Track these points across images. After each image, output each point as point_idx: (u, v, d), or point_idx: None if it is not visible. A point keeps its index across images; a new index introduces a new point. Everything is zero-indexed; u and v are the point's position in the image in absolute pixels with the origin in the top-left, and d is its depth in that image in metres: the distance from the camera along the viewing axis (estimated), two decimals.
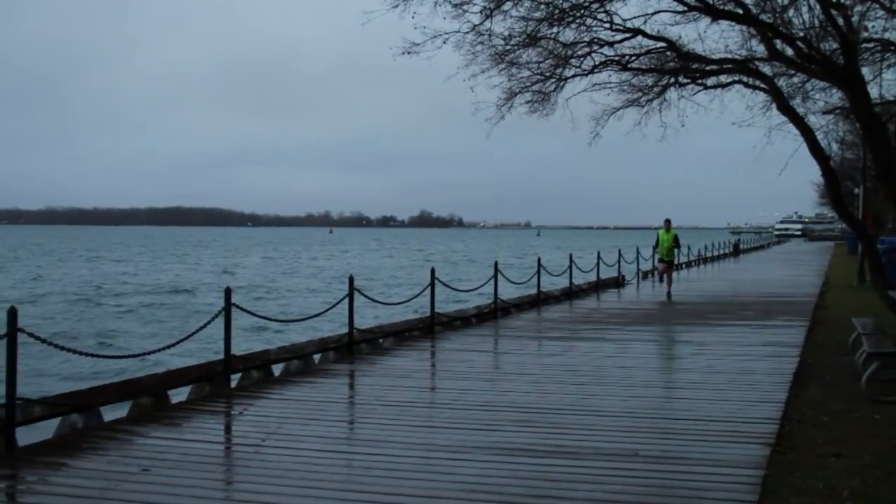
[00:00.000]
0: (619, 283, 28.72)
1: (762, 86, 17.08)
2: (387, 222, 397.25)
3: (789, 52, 15.28)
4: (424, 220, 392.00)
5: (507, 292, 20.74)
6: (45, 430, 8.01)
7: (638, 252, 31.47)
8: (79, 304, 33.50)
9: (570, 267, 23.92)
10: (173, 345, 10.08)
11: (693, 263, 43.10)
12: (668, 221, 23.98)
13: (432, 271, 16.18)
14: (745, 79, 17.18)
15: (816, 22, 15.18)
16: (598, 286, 26.38)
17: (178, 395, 9.72)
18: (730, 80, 17.42)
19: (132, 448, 7.36)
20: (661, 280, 25.15)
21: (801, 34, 15.02)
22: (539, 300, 21.27)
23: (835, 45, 15.31)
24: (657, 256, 25.02)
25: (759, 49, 16.56)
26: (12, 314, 7.54)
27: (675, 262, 26.75)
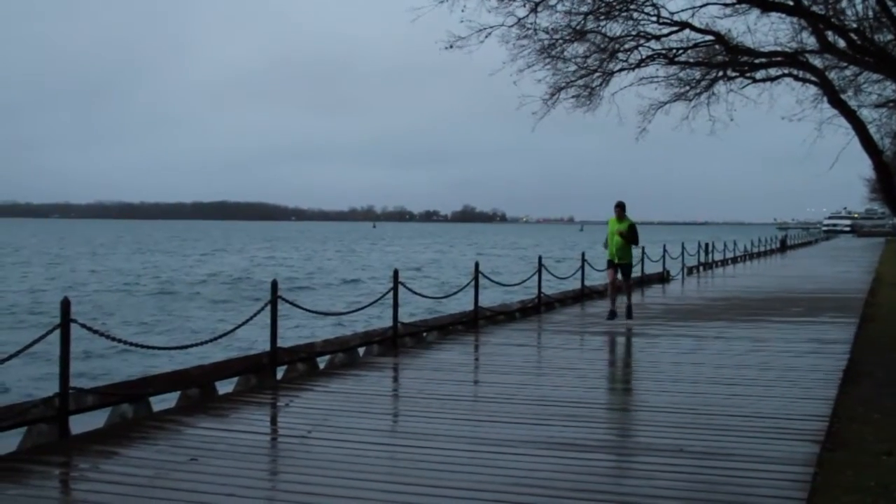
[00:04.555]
0: (663, 278, 28.50)
1: (813, 79, 16.83)
2: (429, 217, 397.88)
3: (841, 43, 15.03)
4: (467, 215, 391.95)
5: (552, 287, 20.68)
6: (96, 419, 8.15)
7: (683, 248, 31.21)
8: None
9: None
10: (222, 336, 10.22)
11: (739, 259, 42.60)
12: (620, 206, 16.44)
13: (476, 266, 16.17)
14: (795, 72, 16.94)
15: (870, 13, 14.93)
16: (643, 281, 26.19)
17: (226, 386, 9.83)
18: (779, 73, 17.19)
19: (181, 438, 7.46)
20: (612, 295, 16.82)
21: (854, 25, 14.77)
22: (583, 295, 21.17)
23: (889, 36, 15.04)
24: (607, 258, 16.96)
25: (810, 41, 16.31)
26: (65, 305, 7.68)
27: (633, 265, 17.28)
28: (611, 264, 16.71)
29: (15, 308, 29.08)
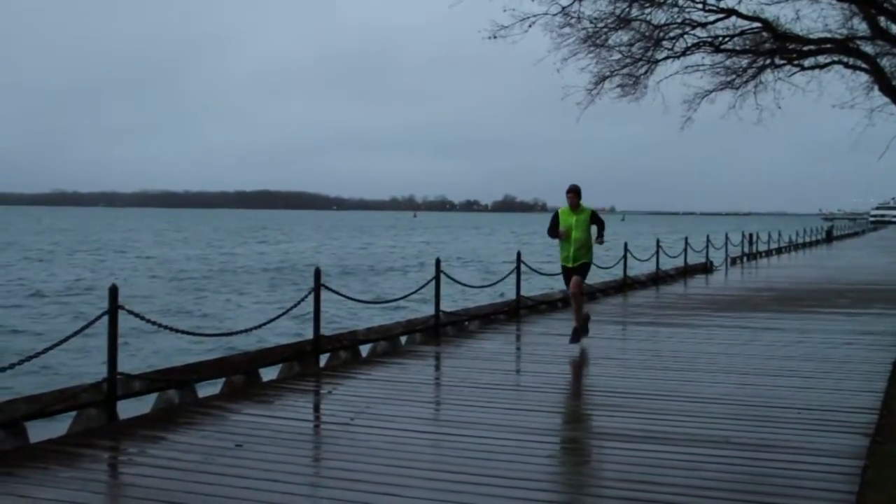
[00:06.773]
0: (706, 269, 28.22)
1: (863, 66, 16.53)
2: (470, 206, 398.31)
3: (894, 29, 14.72)
4: (508, 205, 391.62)
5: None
6: (143, 404, 8.26)
7: (727, 238, 30.86)
8: None
9: (658, 252, 23.55)
10: (265, 324, 10.29)
11: (784, 250, 42.04)
12: (574, 192, 11.86)
13: (518, 255, 16.11)
14: (845, 59, 16.64)
15: None
16: (686, 272, 25.95)
17: (269, 373, 9.90)
18: (829, 60, 16.91)
19: (226, 424, 7.53)
20: (577, 307, 12.10)
21: None
22: (625, 285, 21.02)
23: None
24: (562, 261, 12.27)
25: (862, 27, 16.03)
26: (113, 292, 7.78)
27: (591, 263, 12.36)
28: (568, 271, 12.15)
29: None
